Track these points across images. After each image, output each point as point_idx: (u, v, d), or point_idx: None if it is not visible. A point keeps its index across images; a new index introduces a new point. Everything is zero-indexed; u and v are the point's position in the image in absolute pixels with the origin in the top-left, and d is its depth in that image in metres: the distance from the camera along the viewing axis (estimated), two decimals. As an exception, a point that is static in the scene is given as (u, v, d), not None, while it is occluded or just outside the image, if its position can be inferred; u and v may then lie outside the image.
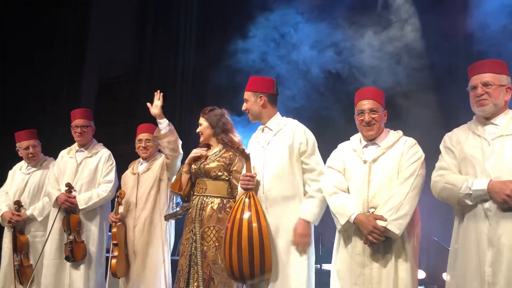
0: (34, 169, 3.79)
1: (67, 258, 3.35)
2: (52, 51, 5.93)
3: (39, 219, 3.62)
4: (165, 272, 3.28)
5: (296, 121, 2.77)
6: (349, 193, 2.42)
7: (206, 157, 2.99)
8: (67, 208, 3.37)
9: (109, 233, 3.55)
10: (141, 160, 3.50)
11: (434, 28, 4.17)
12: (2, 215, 3.65)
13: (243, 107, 2.79)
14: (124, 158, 3.71)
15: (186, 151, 3.40)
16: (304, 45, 4.55)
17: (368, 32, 4.25)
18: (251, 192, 2.58)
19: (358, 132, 2.55)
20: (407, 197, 2.26)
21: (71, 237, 3.35)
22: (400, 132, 2.49)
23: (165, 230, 3.34)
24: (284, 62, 4.63)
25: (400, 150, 2.38)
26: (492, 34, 3.80)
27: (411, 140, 2.43)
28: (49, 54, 5.87)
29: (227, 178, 2.91)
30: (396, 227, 2.23)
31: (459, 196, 2.16)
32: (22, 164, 3.86)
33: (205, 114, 3.05)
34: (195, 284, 2.83)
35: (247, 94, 2.76)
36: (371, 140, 2.46)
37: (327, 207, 2.52)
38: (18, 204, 3.63)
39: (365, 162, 2.42)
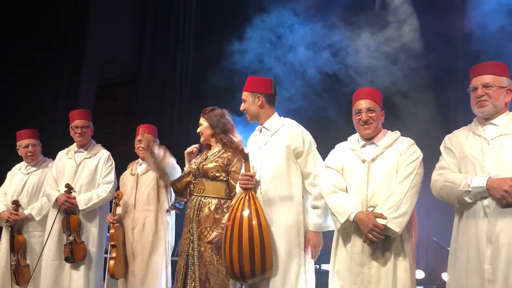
0: (34, 169, 3.79)
1: (66, 259, 3.35)
2: (52, 51, 5.94)
3: (37, 218, 3.63)
4: (166, 273, 3.29)
5: (293, 121, 2.76)
6: (347, 192, 2.43)
7: (206, 157, 3.00)
8: (67, 209, 3.37)
9: (108, 234, 3.56)
10: (140, 161, 3.50)
11: (433, 28, 4.18)
12: (0, 214, 3.65)
13: (241, 107, 2.79)
14: (123, 159, 3.72)
15: (182, 150, 3.42)
16: (301, 46, 4.56)
17: (366, 32, 4.26)
18: (250, 192, 2.58)
19: (356, 132, 2.56)
20: (406, 195, 2.27)
21: (71, 237, 3.35)
22: (397, 133, 2.50)
23: (165, 231, 3.34)
24: (281, 63, 4.63)
25: (399, 150, 2.39)
26: (491, 34, 3.81)
27: (409, 140, 2.44)
28: (48, 54, 5.87)
29: (225, 178, 2.91)
30: (396, 225, 2.24)
31: (458, 193, 2.17)
32: (22, 164, 3.87)
33: (205, 114, 3.04)
34: (192, 284, 2.84)
35: (245, 94, 2.76)
36: (369, 140, 2.47)
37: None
38: (16, 204, 3.64)
39: (363, 161, 2.43)
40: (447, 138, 2.39)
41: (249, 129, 2.98)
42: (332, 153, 2.58)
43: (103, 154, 3.58)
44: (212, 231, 2.85)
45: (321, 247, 2.62)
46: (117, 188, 3.53)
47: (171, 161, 3.21)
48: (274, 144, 2.68)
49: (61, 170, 3.56)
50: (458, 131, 2.38)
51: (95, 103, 6.04)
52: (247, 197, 2.56)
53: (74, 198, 3.39)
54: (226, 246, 2.53)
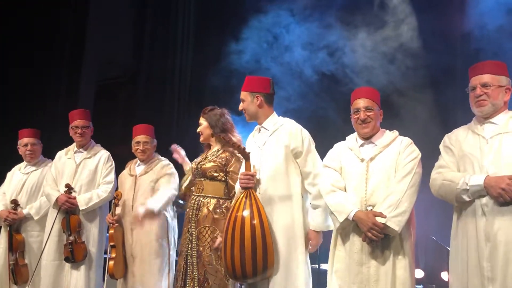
0: (33, 168, 3.79)
1: (67, 259, 3.35)
2: (52, 51, 5.94)
3: (36, 218, 3.62)
4: (168, 274, 3.28)
5: (292, 121, 2.76)
6: (346, 191, 2.43)
7: (205, 157, 3.00)
8: (67, 209, 3.37)
9: (107, 234, 3.56)
10: (138, 161, 3.49)
11: (431, 28, 4.18)
12: None
13: (240, 107, 2.78)
14: (122, 159, 3.71)
15: (186, 151, 3.42)
16: (299, 46, 4.56)
17: (364, 32, 4.26)
18: (250, 191, 2.58)
19: (355, 132, 2.56)
20: (405, 194, 2.28)
21: (71, 238, 3.34)
22: (396, 132, 2.50)
23: (165, 232, 3.32)
24: (278, 63, 4.64)
25: (397, 149, 2.40)
26: (489, 33, 3.82)
27: (407, 140, 2.44)
28: (48, 54, 5.87)
29: (223, 178, 2.91)
30: (395, 223, 2.24)
31: (457, 192, 2.18)
32: (21, 164, 3.87)
33: (205, 114, 3.04)
34: (191, 284, 2.84)
35: (243, 94, 2.75)
36: (367, 139, 2.48)
37: None
38: (15, 203, 3.64)
39: (362, 160, 2.43)
40: (446, 137, 2.40)
41: (248, 128, 2.98)
42: (330, 153, 2.59)
43: (103, 154, 3.58)
44: (211, 231, 2.86)
45: (318, 245, 2.63)
46: (116, 188, 3.53)
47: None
48: (273, 143, 2.68)
49: (61, 170, 3.56)
50: (458, 130, 2.38)
51: (94, 103, 6.04)
52: (247, 197, 2.56)
53: (75, 198, 3.39)
54: (227, 246, 2.52)
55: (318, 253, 3.92)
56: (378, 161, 2.40)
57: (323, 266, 4.02)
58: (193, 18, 5.84)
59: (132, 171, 3.43)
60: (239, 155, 2.85)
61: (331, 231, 2.54)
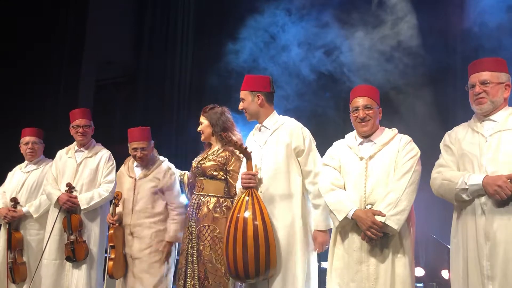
0: (34, 167, 3.80)
1: (68, 259, 3.35)
2: (51, 51, 5.93)
3: (35, 216, 3.62)
4: (168, 272, 3.27)
5: (293, 119, 2.76)
6: (345, 190, 2.43)
7: (206, 156, 3.00)
8: (69, 208, 3.37)
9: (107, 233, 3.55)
10: (136, 163, 3.42)
11: (430, 25, 4.17)
12: None
13: (240, 107, 2.77)
14: (122, 158, 3.69)
15: (186, 150, 3.41)
16: (299, 45, 4.55)
17: (364, 30, 4.25)
18: (252, 190, 2.57)
19: (354, 130, 2.55)
20: (404, 193, 2.27)
21: (72, 237, 3.34)
22: (395, 130, 2.50)
23: (165, 233, 3.29)
24: (276, 64, 4.63)
25: (396, 147, 2.39)
26: (489, 30, 3.80)
27: (406, 137, 2.44)
28: (47, 54, 5.86)
29: (223, 177, 2.91)
30: (394, 222, 2.24)
31: (456, 191, 2.18)
32: (22, 164, 3.87)
33: (205, 113, 3.04)
34: (192, 282, 2.85)
35: (243, 93, 2.73)
36: (366, 137, 2.47)
37: None
38: (14, 201, 3.64)
39: (361, 158, 2.42)
40: (446, 135, 2.39)
41: (249, 127, 2.98)
42: (329, 151, 2.58)
43: (104, 153, 3.58)
44: (211, 230, 2.85)
45: (327, 245, 2.61)
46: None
47: None
48: (274, 142, 2.67)
49: (62, 169, 3.55)
50: (458, 128, 2.38)
51: (94, 102, 6.04)
52: (249, 196, 2.55)
53: (76, 197, 3.39)
54: (229, 246, 2.51)
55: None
56: (377, 159, 2.40)
57: (324, 264, 4.01)
58: (192, 17, 5.83)
59: (131, 172, 3.38)
60: (240, 154, 2.85)
61: (331, 229, 2.54)
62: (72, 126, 3.57)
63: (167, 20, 5.93)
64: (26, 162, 3.85)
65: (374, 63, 4.20)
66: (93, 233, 3.43)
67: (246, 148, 2.62)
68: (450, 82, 4.27)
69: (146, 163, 3.32)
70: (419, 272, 4.03)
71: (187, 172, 3.34)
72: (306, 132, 2.69)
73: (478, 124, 2.28)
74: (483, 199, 2.13)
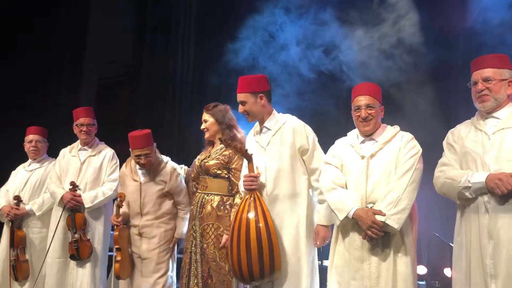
0: (37, 166, 3.81)
1: (72, 257, 3.36)
2: (53, 51, 5.94)
3: (38, 214, 3.64)
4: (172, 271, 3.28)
5: (294, 117, 2.74)
6: (347, 188, 2.42)
7: (209, 154, 2.99)
8: (73, 206, 3.37)
9: (111, 232, 3.55)
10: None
11: (432, 22, 4.15)
12: (1, 209, 3.68)
13: (240, 110, 2.70)
14: (124, 157, 3.69)
15: (186, 149, 3.41)
16: (301, 44, 4.54)
17: (366, 28, 4.24)
18: (255, 193, 2.57)
19: (356, 128, 2.54)
20: (405, 191, 2.27)
21: (76, 235, 3.35)
22: (397, 127, 2.49)
23: (173, 233, 3.27)
24: (276, 62, 4.62)
25: (398, 145, 2.39)
26: (491, 27, 3.78)
27: (408, 135, 2.43)
28: (49, 54, 5.88)
29: (226, 176, 2.91)
30: (395, 221, 2.24)
31: (459, 189, 2.17)
32: (26, 163, 3.89)
33: (209, 110, 3.02)
34: (195, 281, 2.85)
35: (244, 96, 2.65)
36: (368, 136, 2.46)
37: None
38: (17, 199, 3.66)
39: (363, 157, 2.42)
40: (449, 134, 2.38)
41: (251, 125, 2.96)
42: (331, 149, 2.58)
43: (108, 152, 3.58)
44: (214, 228, 2.86)
45: (328, 240, 2.62)
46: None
47: None
48: (277, 143, 2.65)
49: (65, 168, 3.56)
50: (461, 126, 2.36)
51: (96, 102, 6.05)
52: (252, 198, 2.55)
53: (80, 196, 3.39)
54: (233, 248, 2.52)
55: (321, 250, 3.92)
56: (379, 157, 2.39)
57: (326, 262, 4.01)
58: (194, 16, 5.83)
59: (134, 174, 3.29)
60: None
61: (333, 226, 2.54)
62: (76, 125, 3.58)
63: (169, 19, 5.93)
64: (29, 160, 3.87)
65: (375, 61, 4.19)
66: (97, 232, 3.44)
67: (246, 150, 2.61)
68: (452, 79, 4.25)
69: (151, 167, 3.26)
70: (422, 270, 4.02)
71: (184, 166, 3.35)
72: (309, 130, 2.67)
73: (481, 121, 2.27)
74: (486, 197, 2.12)
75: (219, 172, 2.91)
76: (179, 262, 3.12)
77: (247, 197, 2.58)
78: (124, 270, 3.17)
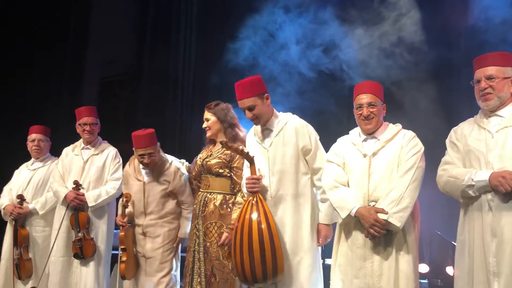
0: (40, 165, 3.82)
1: (76, 256, 3.37)
2: (54, 51, 5.94)
3: (41, 213, 3.65)
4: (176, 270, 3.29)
5: (295, 116, 2.73)
6: (349, 186, 2.42)
7: (210, 153, 2.99)
8: (76, 205, 3.38)
9: (115, 231, 3.55)
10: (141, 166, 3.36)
11: (434, 21, 4.14)
12: (4, 208, 3.69)
13: (249, 115, 2.60)
14: (126, 155, 3.69)
15: (188, 149, 3.41)
16: (301, 43, 4.54)
17: (364, 27, 4.23)
18: (257, 195, 2.56)
19: (358, 126, 2.54)
20: (407, 189, 2.27)
21: (80, 234, 3.36)
22: (399, 125, 2.49)
23: (177, 232, 3.27)
24: (276, 62, 4.62)
25: (400, 143, 2.38)
26: (493, 25, 3.78)
27: (410, 133, 2.43)
28: (50, 53, 5.88)
29: (228, 174, 2.91)
30: (397, 220, 2.24)
31: (462, 188, 2.17)
32: (28, 162, 3.90)
33: (211, 109, 3.01)
34: (198, 279, 2.86)
35: (251, 100, 2.57)
36: (370, 134, 2.46)
37: None
38: (21, 198, 3.67)
39: (365, 155, 2.42)
40: (452, 132, 2.37)
41: (251, 123, 2.96)
42: (333, 147, 2.57)
43: (111, 151, 3.59)
44: (217, 227, 2.86)
45: (329, 238, 2.63)
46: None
47: None
48: (280, 144, 2.63)
49: (68, 167, 3.56)
50: (464, 124, 2.35)
51: (98, 101, 6.06)
52: (254, 201, 2.55)
53: (83, 195, 3.40)
54: (236, 250, 2.52)
55: (323, 248, 3.93)
56: (381, 156, 2.39)
57: (328, 261, 4.01)
58: (196, 15, 5.82)
59: (138, 174, 3.28)
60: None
61: (335, 225, 2.54)
62: (79, 124, 3.58)
63: (170, 17, 5.93)
64: (32, 159, 3.88)
65: (376, 59, 4.18)
66: (101, 231, 3.45)
67: (247, 153, 2.60)
68: (454, 77, 4.25)
69: (154, 166, 3.25)
70: (424, 268, 4.02)
71: (185, 162, 3.34)
72: (311, 129, 2.67)
73: (484, 120, 2.26)
74: (489, 195, 2.12)
75: (221, 171, 2.91)
76: (183, 261, 3.13)
77: (250, 199, 2.57)
78: (129, 270, 3.18)
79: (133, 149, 3.25)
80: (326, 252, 3.74)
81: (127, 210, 3.22)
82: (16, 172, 3.90)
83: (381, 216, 2.25)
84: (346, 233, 2.42)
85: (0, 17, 5.72)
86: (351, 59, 4.32)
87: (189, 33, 5.80)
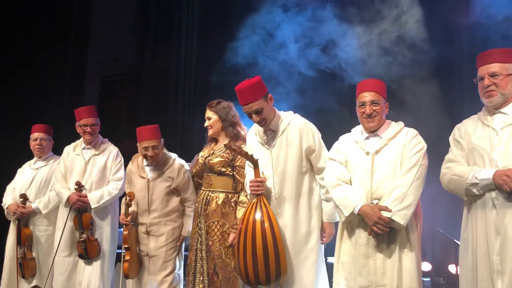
0: (43, 164, 3.82)
1: (81, 256, 3.38)
2: (55, 50, 5.94)
3: (44, 212, 3.65)
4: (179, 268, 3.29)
5: (297, 115, 2.71)
6: (351, 185, 2.42)
7: (212, 152, 2.99)
8: (79, 207, 3.37)
9: (120, 229, 3.54)
10: (146, 162, 3.37)
11: (436, 18, 4.13)
12: (7, 207, 3.69)
13: (257, 119, 2.57)
14: (128, 154, 3.69)
15: (190, 148, 3.40)
16: (302, 42, 4.53)
17: (365, 25, 4.22)
18: (261, 198, 2.56)
19: (360, 124, 2.53)
20: (411, 187, 2.27)
21: (84, 235, 3.36)
22: (401, 124, 2.48)
23: (180, 231, 3.27)
24: (275, 61, 4.61)
25: (402, 141, 2.38)
26: (495, 23, 3.77)
27: (412, 131, 2.42)
28: (51, 53, 5.87)
29: (231, 173, 2.91)
30: (401, 217, 2.24)
31: (466, 186, 2.16)
32: (31, 161, 3.90)
33: (213, 108, 3.00)
34: (201, 278, 2.85)
35: (259, 103, 2.54)
36: (372, 132, 2.46)
37: None
38: (24, 197, 3.67)
39: (367, 153, 2.41)
40: (456, 129, 2.35)
41: (252, 122, 2.94)
42: (335, 145, 2.57)
43: (112, 150, 3.58)
44: (220, 225, 2.85)
45: (332, 236, 2.63)
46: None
47: None
48: (283, 144, 2.62)
49: (70, 167, 3.56)
50: (467, 121, 2.34)
51: (99, 99, 6.06)
52: (258, 203, 2.54)
53: (86, 196, 3.40)
54: (240, 253, 2.52)
55: (326, 247, 3.92)
56: (384, 154, 2.39)
57: (330, 259, 4.01)
58: (197, 14, 5.82)
59: (142, 171, 3.30)
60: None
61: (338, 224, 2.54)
62: (80, 125, 3.56)
63: (171, 16, 5.92)
64: (35, 158, 3.87)
65: (377, 58, 4.17)
66: (104, 231, 3.45)
67: (251, 156, 2.59)
68: (457, 75, 4.24)
69: (158, 162, 3.26)
70: (426, 266, 4.02)
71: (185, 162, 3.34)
72: (314, 129, 2.66)
73: (488, 117, 2.24)
74: (494, 193, 2.11)
75: (223, 169, 2.91)
76: (186, 259, 3.13)
77: (253, 201, 2.57)
78: (133, 269, 3.19)
79: (137, 144, 3.26)
80: (329, 250, 3.74)
81: (130, 209, 3.22)
82: (19, 171, 3.90)
83: (385, 214, 2.24)
84: (349, 231, 2.42)
85: (0, 17, 5.71)
86: (350, 57, 4.31)
87: (190, 32, 5.80)
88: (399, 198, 2.25)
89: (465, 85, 4.01)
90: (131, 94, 6.14)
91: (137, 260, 3.22)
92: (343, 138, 2.57)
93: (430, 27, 4.05)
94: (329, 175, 2.47)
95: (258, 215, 2.50)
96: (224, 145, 2.82)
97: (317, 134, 2.64)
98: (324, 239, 2.63)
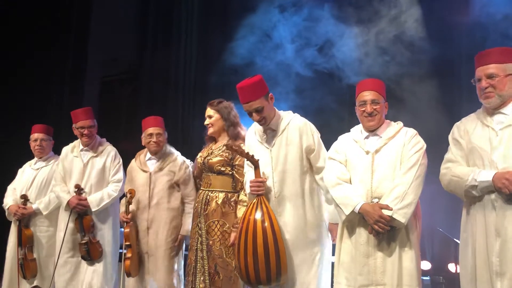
0: (43, 164, 3.81)
1: (83, 258, 3.39)
2: (55, 50, 5.94)
3: (45, 213, 3.65)
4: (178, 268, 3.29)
5: (296, 115, 2.71)
6: (351, 184, 2.42)
7: (211, 151, 2.99)
8: (79, 211, 3.38)
9: (121, 229, 3.56)
10: (149, 154, 3.40)
11: (435, 17, 4.13)
12: (8, 208, 3.70)
13: (257, 117, 2.57)
14: (127, 154, 3.70)
15: (190, 147, 3.41)
16: (299, 43, 4.53)
17: (366, 24, 4.22)
18: (261, 198, 2.56)
19: (359, 123, 2.54)
20: (411, 186, 2.27)
21: (86, 238, 3.36)
22: (400, 123, 2.48)
23: (180, 228, 3.27)
24: (272, 61, 4.61)
25: (402, 140, 2.38)
26: (495, 21, 3.76)
27: (412, 131, 2.43)
28: (51, 52, 5.88)
29: (230, 172, 2.91)
30: (401, 216, 2.24)
31: (465, 188, 2.15)
32: (32, 161, 3.89)
33: (214, 106, 2.99)
34: (202, 278, 2.86)
35: (259, 102, 2.54)
36: (372, 131, 2.46)
37: None
38: (24, 198, 3.67)
39: (367, 152, 2.42)
40: (455, 128, 2.34)
41: (251, 122, 2.95)
42: (335, 145, 2.57)
43: (110, 151, 3.56)
44: (220, 225, 2.86)
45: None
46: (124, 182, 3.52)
47: None
48: (283, 144, 2.62)
49: (68, 169, 3.54)
50: (467, 120, 2.32)
51: (99, 99, 6.06)
52: (258, 203, 2.54)
53: (86, 199, 3.39)
54: (240, 253, 2.52)
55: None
56: (383, 153, 2.39)
57: (331, 259, 4.01)
58: (197, 14, 5.81)
59: (143, 165, 3.33)
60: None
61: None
62: (76, 128, 3.54)
63: (171, 16, 5.92)
64: (35, 159, 3.87)
65: (375, 57, 4.18)
66: (106, 234, 3.44)
67: (252, 156, 2.59)
68: (456, 74, 4.24)
69: (161, 155, 3.28)
70: (426, 265, 4.03)
71: (189, 161, 3.35)
72: (313, 128, 2.66)
73: (488, 117, 2.22)
74: (493, 195, 2.10)
75: (223, 169, 2.91)
76: (186, 259, 3.13)
77: (254, 201, 2.57)
78: (134, 267, 3.19)
79: (143, 133, 3.31)
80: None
81: (131, 207, 3.22)
82: (20, 171, 3.90)
83: (386, 212, 2.24)
84: (349, 231, 2.42)
85: (0, 17, 5.71)
86: (347, 57, 4.31)
87: (189, 33, 5.80)
88: (400, 197, 2.25)
89: (464, 84, 4.01)
90: (131, 93, 6.15)
91: (138, 258, 3.23)
92: (342, 138, 2.57)
93: (429, 26, 4.05)
94: (329, 174, 2.47)
95: (258, 215, 2.50)
96: (224, 145, 2.82)
97: (316, 134, 2.65)
98: (333, 239, 2.62)
